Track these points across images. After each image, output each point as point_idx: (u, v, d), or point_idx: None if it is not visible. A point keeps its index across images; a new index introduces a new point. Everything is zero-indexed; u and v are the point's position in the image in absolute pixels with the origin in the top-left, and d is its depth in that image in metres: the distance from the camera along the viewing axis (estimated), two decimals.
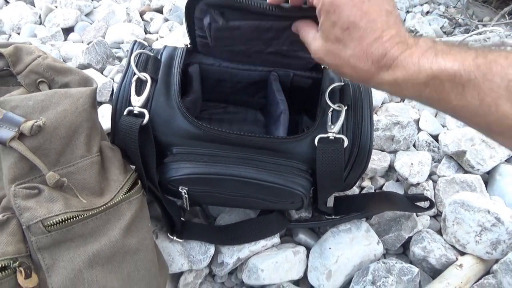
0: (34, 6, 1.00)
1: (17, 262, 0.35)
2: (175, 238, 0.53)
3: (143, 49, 0.51)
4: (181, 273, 0.53)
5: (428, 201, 0.61)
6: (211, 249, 0.54)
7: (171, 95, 0.47)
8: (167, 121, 0.46)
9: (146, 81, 0.47)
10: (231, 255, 0.53)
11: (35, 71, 0.47)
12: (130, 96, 0.47)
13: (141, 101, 0.46)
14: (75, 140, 0.42)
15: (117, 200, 0.41)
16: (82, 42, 0.90)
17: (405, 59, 0.33)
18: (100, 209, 0.39)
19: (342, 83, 0.50)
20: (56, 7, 0.97)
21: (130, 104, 0.47)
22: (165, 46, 0.53)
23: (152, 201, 0.61)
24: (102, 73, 0.80)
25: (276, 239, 0.56)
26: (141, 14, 1.01)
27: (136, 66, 0.48)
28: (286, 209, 0.56)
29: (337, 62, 0.37)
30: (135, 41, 0.52)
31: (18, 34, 0.91)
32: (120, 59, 0.85)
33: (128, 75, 0.48)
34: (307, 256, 0.58)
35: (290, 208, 0.55)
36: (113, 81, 0.75)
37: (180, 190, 0.48)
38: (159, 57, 0.50)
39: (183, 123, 0.46)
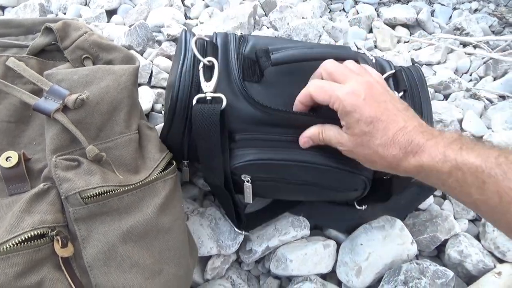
0: None
1: (55, 231, 0.36)
2: (244, 232, 0.53)
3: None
4: (209, 257, 0.53)
5: None
6: (241, 236, 0.53)
7: (232, 79, 0.46)
8: (230, 107, 0.44)
9: (213, 65, 0.45)
10: (260, 243, 0.53)
11: (81, 47, 0.48)
12: (199, 82, 0.44)
13: (211, 86, 0.44)
14: (115, 116, 0.42)
15: (153, 178, 0.41)
16: (124, 25, 0.92)
17: (431, 147, 0.35)
18: (135, 185, 0.40)
19: (393, 71, 0.49)
20: None
21: (198, 92, 0.44)
22: (215, 33, 0.51)
23: (185, 182, 0.62)
24: (142, 55, 0.81)
25: (306, 230, 0.55)
26: None
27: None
28: (348, 199, 0.54)
29: (366, 151, 0.39)
30: (185, 30, 0.50)
31: (64, 14, 0.93)
32: (160, 42, 0.86)
33: (186, 63, 0.46)
34: (337, 251, 0.56)
35: (351, 198, 0.53)
36: (153, 64, 0.76)
37: (243, 178, 0.47)
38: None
39: (247, 108, 0.45)
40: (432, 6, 1.16)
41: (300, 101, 0.43)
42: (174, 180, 0.44)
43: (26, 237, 0.34)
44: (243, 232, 0.53)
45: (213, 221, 0.53)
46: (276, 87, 0.47)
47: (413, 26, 1.09)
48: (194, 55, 0.46)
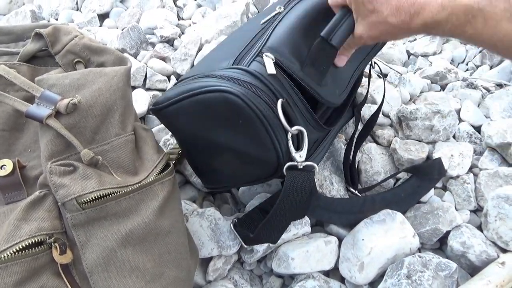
0: None
1: (53, 238, 0.35)
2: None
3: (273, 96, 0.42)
4: (210, 258, 0.53)
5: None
6: None
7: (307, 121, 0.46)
8: None
9: (302, 133, 0.42)
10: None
11: (72, 51, 0.48)
12: (290, 153, 0.42)
13: (303, 156, 0.42)
14: (110, 118, 0.42)
15: (150, 180, 0.41)
16: (117, 28, 0.91)
17: (430, 3, 0.37)
18: (134, 187, 0.39)
19: None
20: None
21: (290, 160, 0.42)
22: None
23: (184, 183, 0.61)
24: (136, 58, 0.80)
25: (307, 227, 0.55)
26: (174, 0, 1.01)
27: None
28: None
29: (381, 27, 0.41)
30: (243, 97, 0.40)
31: (56, 19, 0.93)
32: (153, 44, 0.85)
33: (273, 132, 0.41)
34: (339, 247, 0.56)
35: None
36: (147, 66, 0.75)
37: None
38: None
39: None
40: None
41: (331, 3, 0.48)
42: (172, 181, 0.43)
43: (24, 245, 0.34)
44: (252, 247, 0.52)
45: (213, 221, 0.53)
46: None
47: None
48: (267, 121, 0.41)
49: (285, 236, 0.53)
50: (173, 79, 0.76)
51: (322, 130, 0.48)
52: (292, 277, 0.56)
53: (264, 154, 0.43)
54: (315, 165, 0.43)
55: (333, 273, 0.57)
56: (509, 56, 0.38)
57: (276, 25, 0.50)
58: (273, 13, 0.54)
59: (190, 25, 0.94)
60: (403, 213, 0.60)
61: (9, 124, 0.43)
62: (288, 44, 0.47)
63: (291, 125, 0.41)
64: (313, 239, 0.54)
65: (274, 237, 0.47)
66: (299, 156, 0.42)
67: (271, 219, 0.45)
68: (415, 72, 0.90)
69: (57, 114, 0.39)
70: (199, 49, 0.81)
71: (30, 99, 0.41)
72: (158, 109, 0.47)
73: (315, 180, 0.60)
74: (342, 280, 0.56)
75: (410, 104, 0.78)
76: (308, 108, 0.45)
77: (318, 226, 0.60)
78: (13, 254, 0.33)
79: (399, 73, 0.86)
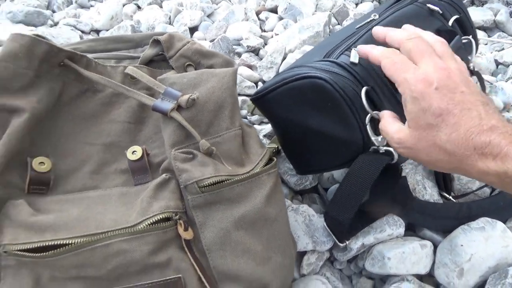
0: (162, 7, 1.11)
1: (178, 216, 0.39)
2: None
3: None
4: (304, 253, 0.54)
5: None
6: None
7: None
8: None
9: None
10: (355, 240, 0.53)
11: (185, 55, 0.53)
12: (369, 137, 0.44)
13: (384, 140, 0.43)
14: (221, 114, 0.45)
15: (257, 171, 0.44)
16: (205, 40, 0.98)
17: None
18: (244, 176, 0.42)
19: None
20: (183, 9, 1.06)
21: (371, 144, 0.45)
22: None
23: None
24: None
25: (401, 229, 0.54)
26: (257, 13, 1.06)
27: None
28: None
29: (430, 149, 0.34)
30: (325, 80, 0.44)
31: None
32: (239, 54, 0.90)
33: (357, 117, 0.44)
34: (434, 252, 0.55)
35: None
36: None
37: None
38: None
39: None
40: (510, 7, 1.11)
41: (368, 54, 0.40)
42: (276, 174, 0.46)
43: (156, 220, 0.38)
44: (345, 243, 0.52)
45: (307, 217, 0.54)
46: None
47: (490, 28, 1.05)
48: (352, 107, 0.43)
49: (379, 236, 0.53)
50: (260, 85, 0.80)
51: None
52: (384, 280, 0.55)
53: (350, 136, 0.45)
54: (394, 152, 0.43)
55: (426, 279, 0.56)
56: None
57: (369, 29, 0.52)
58: (368, 19, 0.56)
59: (272, 36, 0.98)
60: (504, 222, 0.57)
61: (134, 117, 0.48)
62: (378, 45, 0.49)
63: (374, 110, 0.44)
64: (408, 241, 0.53)
65: (343, 216, 0.47)
66: (378, 141, 0.44)
67: (337, 193, 0.47)
68: (507, 81, 0.86)
69: (178, 108, 0.44)
70: (284, 58, 0.85)
71: (150, 96, 0.47)
72: (258, 98, 0.52)
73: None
74: (436, 286, 0.54)
75: (504, 112, 0.75)
76: (395, 96, 0.46)
77: (410, 231, 0.59)
78: (147, 226, 0.38)
79: (489, 82, 0.83)
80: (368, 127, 0.43)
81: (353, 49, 0.45)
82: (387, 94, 0.45)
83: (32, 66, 0.41)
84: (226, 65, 0.52)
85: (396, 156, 0.43)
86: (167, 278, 0.38)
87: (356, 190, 0.44)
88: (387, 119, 0.39)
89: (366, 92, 0.43)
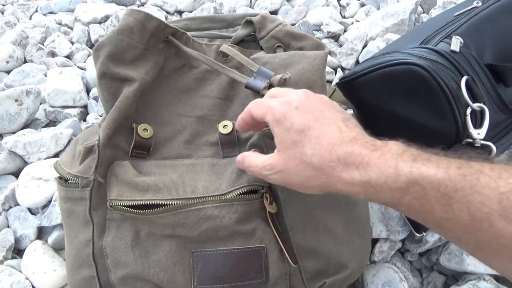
0: None
1: (264, 189, 0.42)
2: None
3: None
4: (376, 240, 0.54)
5: None
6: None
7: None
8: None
9: (484, 111, 0.42)
10: (432, 233, 0.52)
11: (275, 36, 0.54)
12: (467, 129, 0.42)
13: (482, 134, 0.42)
14: None
15: None
16: None
17: (378, 160, 0.29)
18: None
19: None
20: None
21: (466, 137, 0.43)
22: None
23: None
24: None
25: None
26: None
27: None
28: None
29: (298, 167, 0.33)
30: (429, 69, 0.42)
31: None
32: (319, 39, 0.90)
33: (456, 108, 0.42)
34: None
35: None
36: None
37: None
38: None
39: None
40: None
41: (242, 117, 0.40)
42: None
43: (244, 191, 0.40)
44: (422, 234, 0.52)
45: (383, 205, 0.54)
46: None
47: None
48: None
49: None
50: (339, 72, 0.80)
51: (508, 112, 0.46)
52: (456, 277, 0.54)
53: (443, 127, 0.43)
54: (493, 146, 0.42)
55: (502, 280, 0.54)
56: (494, 261, 0.27)
57: (471, 17, 0.49)
58: (470, 7, 0.53)
59: (353, 23, 0.96)
60: None
61: (224, 94, 0.51)
62: (480, 35, 0.47)
63: (474, 102, 0.42)
64: None
65: None
66: (477, 134, 0.42)
67: None
68: None
69: (269, 87, 0.45)
70: (364, 46, 0.83)
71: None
72: (345, 82, 0.52)
73: None
74: None
75: None
76: (496, 87, 0.44)
77: None
78: (236, 196, 0.40)
79: None
80: (468, 119, 0.41)
81: (454, 37, 0.44)
82: (487, 85, 0.43)
83: (143, 40, 0.45)
84: (317, 47, 0.53)
85: (494, 150, 0.41)
86: (251, 246, 0.40)
87: None
88: (252, 155, 0.39)
89: (467, 82, 0.41)
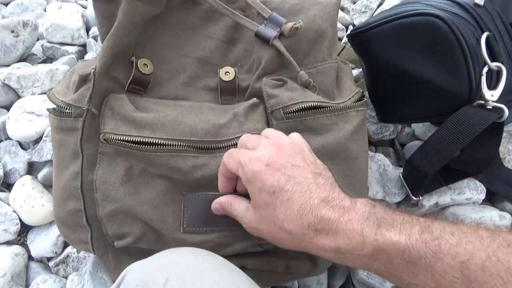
0: None
1: None
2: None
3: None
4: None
5: None
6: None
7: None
8: None
9: (501, 71, 0.40)
10: (429, 198, 0.51)
11: None
12: (481, 90, 0.40)
13: (496, 95, 0.40)
14: (319, 45, 0.44)
15: (347, 105, 0.42)
16: None
17: (346, 226, 0.30)
18: (332, 107, 0.41)
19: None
20: None
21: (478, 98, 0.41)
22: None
23: None
24: None
25: (482, 195, 0.51)
26: None
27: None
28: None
29: (271, 228, 0.34)
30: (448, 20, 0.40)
31: None
32: None
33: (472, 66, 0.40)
34: None
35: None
36: None
37: None
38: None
39: None
40: None
41: (221, 172, 0.39)
42: (364, 113, 0.44)
43: None
44: (419, 198, 0.51)
45: (382, 166, 0.53)
46: None
47: None
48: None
49: (457, 198, 0.51)
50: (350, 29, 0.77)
51: None
52: None
53: (455, 85, 0.41)
54: (506, 109, 0.40)
55: None
56: None
57: None
58: None
59: None
60: None
61: (227, 37, 0.48)
62: None
63: (493, 61, 0.40)
64: (487, 209, 0.51)
65: (428, 167, 0.45)
66: (491, 95, 0.40)
67: (428, 143, 0.44)
68: None
69: (280, 36, 0.43)
70: (380, 4, 0.79)
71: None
72: (356, 34, 0.49)
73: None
74: None
75: None
76: None
77: (486, 201, 0.56)
78: (234, 145, 0.40)
79: None
80: (483, 79, 0.39)
81: None
82: (508, 44, 0.41)
83: None
84: None
85: (506, 113, 0.39)
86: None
87: (451, 143, 0.42)
88: (233, 199, 0.38)
89: (487, 39, 0.39)
